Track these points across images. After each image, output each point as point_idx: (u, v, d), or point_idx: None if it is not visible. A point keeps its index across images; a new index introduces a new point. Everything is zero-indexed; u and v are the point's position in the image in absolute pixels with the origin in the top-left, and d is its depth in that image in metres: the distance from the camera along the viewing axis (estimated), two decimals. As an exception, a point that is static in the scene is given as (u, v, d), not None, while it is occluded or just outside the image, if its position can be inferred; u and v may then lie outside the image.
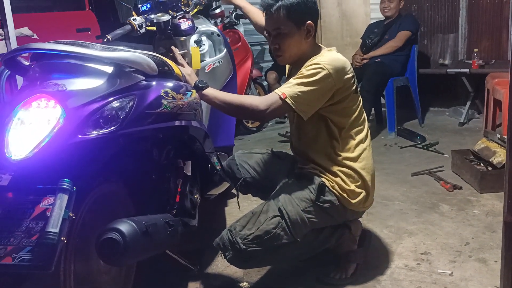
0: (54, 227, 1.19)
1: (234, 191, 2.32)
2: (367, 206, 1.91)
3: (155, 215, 1.57)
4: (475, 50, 4.56)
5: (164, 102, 1.52)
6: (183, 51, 2.12)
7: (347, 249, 1.95)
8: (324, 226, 1.85)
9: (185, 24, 2.14)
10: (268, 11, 1.78)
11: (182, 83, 1.71)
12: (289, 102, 1.70)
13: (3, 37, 2.80)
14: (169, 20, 2.10)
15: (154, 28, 2.11)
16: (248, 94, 3.88)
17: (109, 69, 1.44)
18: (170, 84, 1.60)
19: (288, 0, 1.74)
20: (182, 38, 2.17)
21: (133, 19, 2.01)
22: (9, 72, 2.27)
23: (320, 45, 1.89)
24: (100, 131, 1.36)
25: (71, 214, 1.25)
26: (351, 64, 2.07)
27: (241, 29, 3.42)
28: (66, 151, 1.31)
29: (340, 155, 1.82)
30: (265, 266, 1.99)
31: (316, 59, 1.75)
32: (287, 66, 2.05)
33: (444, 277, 1.90)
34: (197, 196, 1.88)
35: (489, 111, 3.73)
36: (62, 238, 1.20)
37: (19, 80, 2.52)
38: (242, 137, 4.47)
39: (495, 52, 4.77)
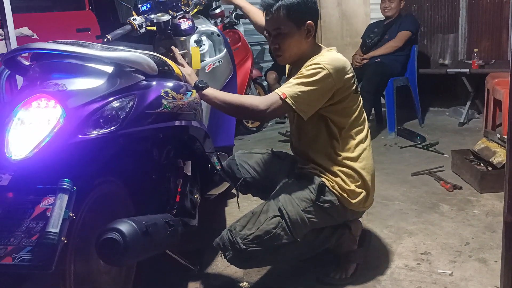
0: (54, 227, 1.19)
1: (234, 191, 2.32)
2: (367, 206, 1.91)
3: (155, 215, 1.57)
4: (475, 50, 4.55)
5: (164, 102, 1.52)
6: (183, 51, 2.12)
7: (347, 249, 1.95)
8: (324, 226, 1.85)
9: (185, 24, 2.15)
10: (268, 11, 1.78)
11: (182, 83, 1.71)
12: (289, 102, 1.70)
13: (3, 37, 2.80)
14: (169, 20, 2.10)
15: (154, 28, 2.10)
16: (248, 94, 3.87)
17: (109, 69, 1.44)
18: (170, 84, 1.60)
19: (288, 0, 1.74)
20: (182, 38, 2.17)
21: (133, 19, 2.01)
22: (9, 72, 2.27)
23: (320, 45, 1.89)
24: (100, 131, 1.36)
25: (71, 214, 1.25)
26: (351, 64, 2.07)
27: (241, 29, 3.42)
28: (66, 151, 1.31)
29: (340, 155, 1.82)
30: (265, 266, 1.99)
31: (316, 59, 1.75)
32: (287, 66, 2.05)
33: (444, 277, 1.90)
34: (197, 196, 1.88)
35: (489, 111, 3.73)
36: (62, 238, 1.20)
37: (19, 80, 2.52)
38: (242, 137, 4.47)
39: (495, 52, 4.77)
